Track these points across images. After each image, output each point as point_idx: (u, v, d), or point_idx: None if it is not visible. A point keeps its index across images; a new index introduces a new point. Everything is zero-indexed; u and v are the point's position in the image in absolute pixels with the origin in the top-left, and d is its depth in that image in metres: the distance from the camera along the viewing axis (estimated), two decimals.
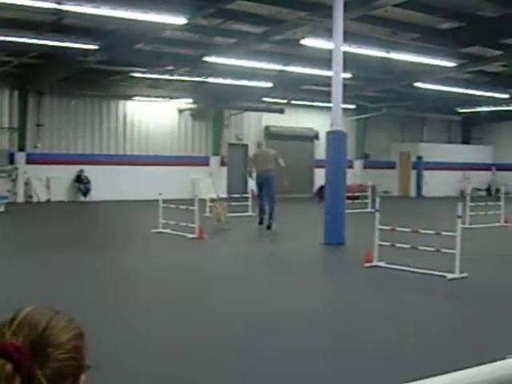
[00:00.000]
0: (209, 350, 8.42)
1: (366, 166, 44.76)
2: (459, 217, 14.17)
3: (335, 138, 18.97)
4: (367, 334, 9.51)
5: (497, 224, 24.85)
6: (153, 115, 36.94)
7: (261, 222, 23.17)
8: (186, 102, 37.56)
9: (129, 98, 36.00)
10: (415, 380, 2.17)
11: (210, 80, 32.55)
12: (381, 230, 15.55)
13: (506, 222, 25.36)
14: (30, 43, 23.71)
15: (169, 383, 7.34)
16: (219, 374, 7.58)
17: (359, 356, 8.34)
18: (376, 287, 13.32)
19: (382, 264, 15.09)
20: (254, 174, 23.88)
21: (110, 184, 34.24)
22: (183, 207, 21.17)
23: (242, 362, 8.05)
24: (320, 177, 29.56)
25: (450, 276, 13.78)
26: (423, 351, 8.44)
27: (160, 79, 33.01)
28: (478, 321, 10.29)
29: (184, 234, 19.88)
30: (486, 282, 13.82)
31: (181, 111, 37.96)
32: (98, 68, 30.61)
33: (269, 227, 22.74)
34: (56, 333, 1.76)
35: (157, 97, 36.28)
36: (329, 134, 19.26)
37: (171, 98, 36.73)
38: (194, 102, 37.55)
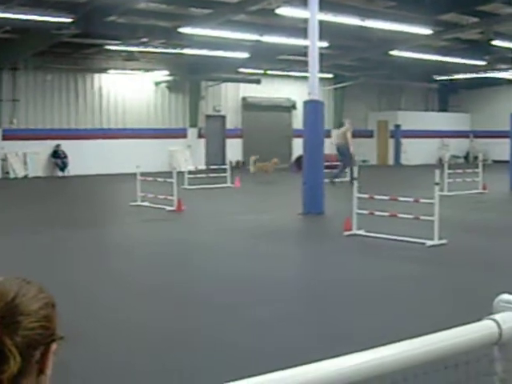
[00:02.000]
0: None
1: None
2: (437, 184, 14.16)
3: (312, 108, 18.88)
4: (347, 300, 9.51)
5: (475, 191, 24.91)
6: (129, 88, 36.67)
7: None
8: (162, 75, 37.30)
9: (104, 71, 35.70)
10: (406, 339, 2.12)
11: (186, 51, 32.30)
12: (359, 198, 15.53)
13: (484, 188, 25.42)
14: (3, 17, 23.33)
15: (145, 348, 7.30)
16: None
17: (340, 321, 8.33)
18: (355, 255, 13.33)
19: (361, 232, 15.09)
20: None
21: (87, 158, 34.03)
22: (161, 180, 21.09)
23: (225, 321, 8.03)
24: (298, 147, 29.49)
25: (429, 243, 13.79)
26: (403, 314, 8.44)
27: (135, 52, 32.69)
28: (455, 285, 10.30)
29: (163, 206, 19.79)
30: (465, 248, 13.85)
31: (157, 84, 37.71)
32: (73, 41, 30.27)
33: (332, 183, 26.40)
34: (26, 301, 1.73)
35: (132, 69, 36.00)
36: (306, 103, 19.18)
37: (147, 71, 36.47)
38: (170, 74, 37.31)
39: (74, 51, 33.09)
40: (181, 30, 26.84)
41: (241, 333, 7.96)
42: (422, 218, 14.41)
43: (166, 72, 37.10)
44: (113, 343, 7.63)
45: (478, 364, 2.56)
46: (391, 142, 44.99)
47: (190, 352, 7.29)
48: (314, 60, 18.68)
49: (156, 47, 31.35)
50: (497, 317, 2.26)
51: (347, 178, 27.16)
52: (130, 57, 34.30)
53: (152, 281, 10.92)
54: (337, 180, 27.42)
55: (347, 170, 28.53)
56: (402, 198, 15.51)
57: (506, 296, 2.41)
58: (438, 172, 14.18)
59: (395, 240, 14.20)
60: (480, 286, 10.06)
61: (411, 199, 15.18)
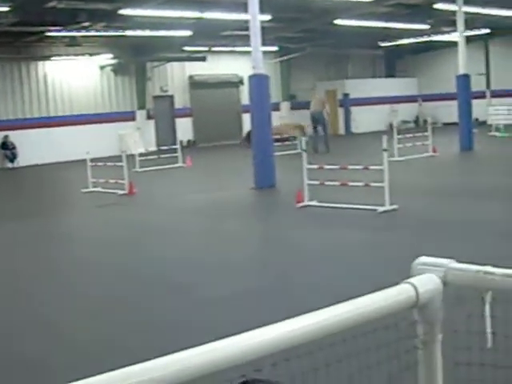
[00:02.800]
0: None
1: (293, 107, 44.70)
2: (385, 150, 14.22)
3: (257, 82, 18.85)
4: (304, 269, 9.55)
5: (425, 154, 25.11)
6: (74, 74, 36.23)
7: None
8: (106, 58, 36.87)
9: (47, 58, 35.20)
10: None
11: (128, 33, 31.93)
12: (310, 169, 15.57)
13: (434, 151, 25.62)
14: None
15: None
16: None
17: (298, 290, 8.35)
18: (307, 226, 13.38)
19: (313, 203, 15.15)
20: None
21: (36, 147, 33.62)
22: (111, 164, 20.96)
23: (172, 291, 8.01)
24: (248, 122, 29.45)
25: (380, 209, 13.88)
26: (347, 277, 8.49)
27: (77, 37, 32.29)
28: (402, 249, 10.35)
29: (114, 190, 19.67)
30: (415, 212, 13.98)
31: (102, 67, 37.32)
32: (12, 30, 29.79)
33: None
34: None
35: (76, 55, 35.50)
36: (251, 77, 19.15)
37: (91, 55, 36.01)
38: (114, 58, 36.92)
39: (16, 40, 32.56)
40: (122, 11, 26.52)
41: (195, 311, 7.95)
42: (372, 184, 14.51)
43: (111, 55, 36.70)
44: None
45: (397, 328, 2.56)
46: (341, 110, 45.10)
47: (142, 332, 7.27)
48: (255, 34, 18.63)
49: (98, 31, 30.98)
50: (414, 280, 2.26)
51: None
52: (73, 42, 33.83)
53: (106, 265, 10.88)
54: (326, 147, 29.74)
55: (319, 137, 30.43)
56: (351, 167, 15.57)
57: (423, 258, 2.41)
58: (385, 138, 14.26)
59: (347, 208, 14.28)
60: (426, 249, 10.13)
61: (361, 167, 15.24)
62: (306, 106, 43.59)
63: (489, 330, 2.33)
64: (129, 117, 37.81)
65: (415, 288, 2.22)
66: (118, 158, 21.04)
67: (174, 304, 8.37)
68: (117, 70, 37.69)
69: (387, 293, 2.20)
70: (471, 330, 2.61)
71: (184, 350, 1.86)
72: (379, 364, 2.76)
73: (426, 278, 2.29)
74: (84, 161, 21.60)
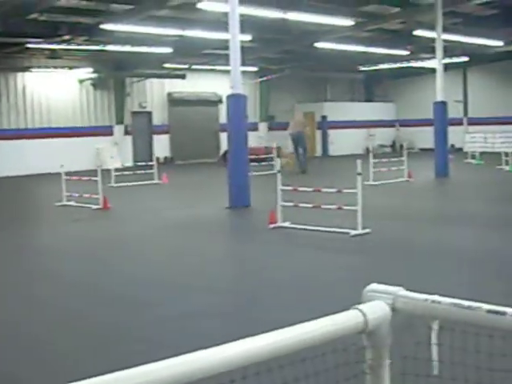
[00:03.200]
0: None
1: (271, 128, 44.86)
2: (359, 174, 14.29)
3: (235, 101, 18.92)
4: (269, 290, 9.57)
5: (401, 179, 25.25)
6: (53, 87, 36.20)
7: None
8: (86, 72, 36.89)
9: (27, 69, 35.16)
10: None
11: (109, 48, 31.98)
12: (284, 190, 15.62)
13: (409, 176, 25.78)
14: None
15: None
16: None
17: (255, 310, 8.38)
18: (278, 247, 13.41)
19: (286, 224, 15.19)
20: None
21: (12, 159, 33.49)
22: (86, 178, 20.92)
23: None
24: (225, 141, 29.52)
25: (353, 232, 13.94)
26: (325, 299, 8.51)
27: (58, 49, 32.29)
28: (371, 274, 10.42)
29: (89, 205, 19.63)
30: (387, 237, 14.03)
31: (81, 81, 37.33)
32: None
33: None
34: None
35: (56, 68, 35.49)
36: (228, 97, 19.23)
37: (70, 69, 36.00)
38: (94, 72, 36.93)
39: None
40: (103, 26, 26.59)
41: (161, 328, 7.95)
42: (345, 207, 14.58)
43: (90, 69, 36.71)
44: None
45: (346, 353, 2.61)
46: (318, 133, 45.30)
47: (104, 345, 7.28)
48: (235, 53, 18.71)
49: (79, 44, 30.99)
50: (362, 306, 2.31)
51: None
52: (53, 55, 33.84)
53: (72, 277, 10.86)
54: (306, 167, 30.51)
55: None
56: (324, 189, 15.62)
57: (373, 285, 2.46)
58: (359, 162, 14.32)
59: (320, 231, 14.33)
60: (395, 274, 10.22)
61: (334, 190, 15.29)
62: (284, 126, 43.99)
63: (435, 357, 2.38)
64: (106, 131, 37.79)
65: (364, 314, 2.26)
66: (94, 173, 21.01)
67: (133, 319, 8.39)
68: (96, 84, 37.70)
69: (336, 318, 2.25)
70: (418, 356, 2.66)
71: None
72: None
73: (375, 305, 2.34)
74: (59, 174, 21.54)
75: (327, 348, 2.47)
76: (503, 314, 2.17)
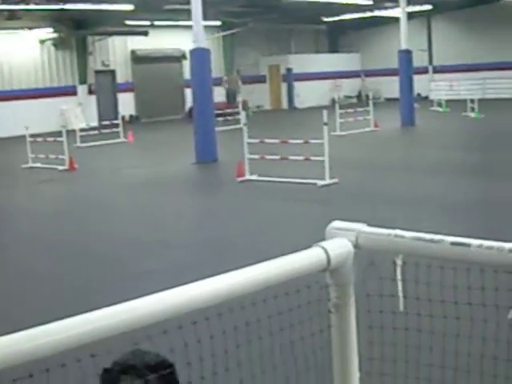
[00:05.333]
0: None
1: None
2: (325, 124, 14.27)
3: (198, 56, 18.77)
4: (238, 240, 9.56)
5: (367, 129, 25.26)
6: (13, 48, 35.59)
7: None
8: (46, 32, 36.32)
9: None
10: None
11: (69, 6, 31.48)
12: (251, 143, 15.57)
13: (375, 126, 25.80)
14: None
15: None
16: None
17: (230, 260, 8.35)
18: (248, 199, 13.40)
19: (254, 177, 15.16)
20: None
21: None
22: (51, 139, 20.72)
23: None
24: (191, 97, 29.31)
25: (320, 183, 13.95)
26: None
27: (16, 10, 31.74)
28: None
29: (55, 166, 19.45)
30: (356, 186, 14.07)
31: (42, 42, 36.73)
32: None
33: None
34: None
35: (15, 29, 34.91)
36: (192, 52, 19.06)
37: (30, 29, 35.43)
38: (55, 31, 36.36)
39: None
40: None
41: (128, 283, 7.93)
42: (312, 158, 14.57)
43: (51, 29, 36.16)
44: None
45: (310, 291, 2.58)
46: (284, 85, 45.13)
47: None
48: (197, 8, 18.55)
49: (38, 4, 30.49)
50: (325, 243, 2.27)
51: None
52: (12, 16, 33.26)
53: (41, 237, 10.80)
54: None
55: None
56: (292, 141, 15.60)
57: (337, 223, 2.42)
58: (325, 112, 14.31)
59: (288, 182, 14.32)
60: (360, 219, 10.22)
61: (301, 141, 15.27)
62: (249, 80, 43.74)
63: (400, 292, 2.36)
64: (70, 91, 37.33)
65: (326, 251, 2.22)
66: (59, 134, 20.79)
67: (101, 275, 8.37)
68: (57, 44, 37.13)
69: (299, 255, 2.21)
70: (383, 293, 2.63)
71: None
72: (292, 326, 2.78)
73: (338, 242, 2.29)
74: (23, 137, 21.30)
75: (290, 288, 2.43)
76: (468, 245, 2.14)
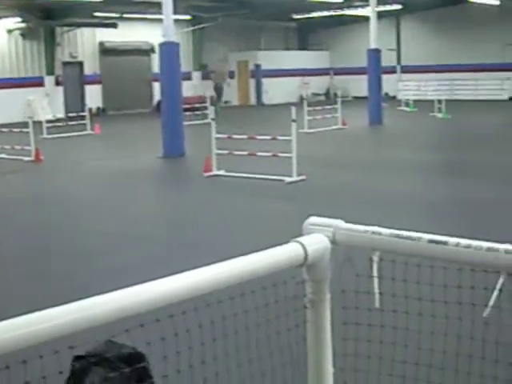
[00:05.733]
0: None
1: (204, 77, 44.49)
2: (293, 121, 14.28)
3: (168, 50, 18.70)
4: (203, 235, 9.54)
5: (335, 127, 25.33)
6: None
7: None
8: (14, 22, 35.97)
9: None
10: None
11: None
12: (218, 139, 15.55)
13: (343, 124, 25.87)
14: None
15: None
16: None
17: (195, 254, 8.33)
18: (215, 194, 13.38)
19: (221, 172, 15.14)
20: None
21: None
22: (17, 130, 20.53)
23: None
24: (159, 91, 29.21)
25: (287, 180, 13.96)
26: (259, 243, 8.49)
27: None
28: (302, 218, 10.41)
29: (21, 157, 19.28)
30: (323, 183, 14.10)
31: (10, 31, 36.36)
32: None
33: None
34: None
35: None
36: (161, 45, 18.99)
37: None
38: (22, 21, 36.02)
39: None
40: None
41: (95, 279, 7.87)
42: (280, 155, 14.58)
43: (19, 19, 35.82)
44: None
45: (286, 286, 2.58)
46: (252, 81, 45.11)
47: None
48: (167, 1, 18.44)
49: None
50: (302, 239, 2.27)
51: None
52: None
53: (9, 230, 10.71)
54: None
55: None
56: (260, 137, 15.59)
57: (314, 219, 2.42)
58: (294, 109, 14.31)
59: (255, 178, 14.31)
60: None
61: (269, 137, 15.26)
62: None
63: (376, 289, 2.36)
64: (37, 82, 37.01)
65: (303, 246, 2.22)
66: (25, 125, 20.61)
67: (73, 270, 8.30)
68: (25, 34, 36.80)
69: (276, 250, 2.20)
70: (359, 289, 2.64)
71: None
72: (269, 322, 2.77)
73: (315, 238, 2.29)
74: None
75: (267, 282, 2.42)
76: (445, 243, 2.14)
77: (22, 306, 6.70)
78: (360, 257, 2.38)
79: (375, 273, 2.32)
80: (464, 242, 2.12)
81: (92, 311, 1.82)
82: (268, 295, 2.62)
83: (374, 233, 2.26)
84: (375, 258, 2.32)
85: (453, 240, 2.13)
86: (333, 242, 2.30)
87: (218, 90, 39.06)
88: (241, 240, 9.33)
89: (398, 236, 2.21)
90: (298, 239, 2.26)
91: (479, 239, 2.16)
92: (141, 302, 1.89)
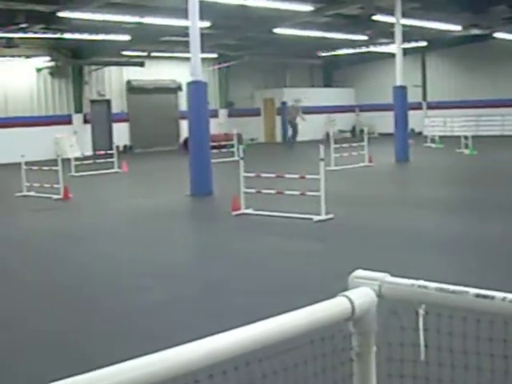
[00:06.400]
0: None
1: (231, 115, 44.72)
2: (322, 159, 14.32)
3: (195, 88, 18.83)
4: (235, 276, 9.55)
5: (361, 164, 25.35)
6: (10, 75, 35.69)
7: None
8: (43, 60, 36.45)
9: None
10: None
11: (67, 36, 31.64)
12: (247, 177, 15.60)
13: (370, 161, 25.88)
14: None
15: None
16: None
17: (229, 298, 8.36)
18: (242, 234, 13.40)
19: (249, 211, 15.17)
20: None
21: None
22: (46, 168, 20.71)
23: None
24: (186, 128, 29.40)
25: (316, 218, 13.96)
26: (280, 289, 8.51)
27: (14, 38, 31.84)
28: (336, 260, 10.41)
29: (49, 195, 19.43)
30: (351, 222, 14.08)
31: (39, 70, 36.84)
32: None
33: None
34: None
35: (13, 56, 35.03)
36: (189, 84, 19.13)
37: (28, 57, 35.56)
38: (52, 60, 36.50)
39: None
40: (60, 14, 26.31)
41: (136, 314, 7.90)
42: (308, 193, 14.60)
43: (48, 58, 36.31)
44: None
45: (333, 340, 2.59)
46: (278, 119, 45.29)
47: (88, 336, 7.21)
48: (195, 41, 18.61)
49: (36, 32, 30.60)
50: (349, 293, 2.29)
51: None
52: (10, 43, 33.36)
53: (40, 271, 10.76)
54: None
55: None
56: (288, 175, 15.63)
57: (359, 272, 2.44)
58: (322, 147, 14.34)
59: (283, 217, 14.33)
60: (361, 259, 10.25)
61: (297, 176, 15.30)
62: (243, 113, 43.97)
63: (422, 342, 2.37)
64: (65, 120, 37.40)
65: (351, 301, 2.24)
66: (54, 162, 20.80)
67: (117, 308, 8.33)
68: (54, 72, 37.27)
69: (324, 305, 2.23)
70: (404, 342, 2.65)
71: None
72: (316, 376, 2.78)
73: (362, 291, 2.32)
74: (19, 164, 21.30)
75: (315, 336, 2.44)
76: (492, 298, 2.16)
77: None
78: (405, 310, 2.40)
79: (421, 326, 2.34)
80: (510, 296, 2.14)
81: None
82: (316, 349, 2.65)
83: (420, 286, 2.28)
84: (421, 312, 2.34)
85: (499, 294, 2.15)
86: (379, 295, 2.32)
87: (293, 126, 39.82)
88: (270, 280, 9.35)
89: (444, 290, 2.24)
90: (345, 293, 2.28)
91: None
92: (192, 359, 1.92)
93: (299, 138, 43.65)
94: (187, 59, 19.58)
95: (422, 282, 2.29)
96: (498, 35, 37.60)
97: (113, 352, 6.18)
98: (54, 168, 20.00)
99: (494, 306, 2.15)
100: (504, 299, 2.14)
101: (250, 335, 2.04)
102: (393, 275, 2.39)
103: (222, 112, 44.61)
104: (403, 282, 2.33)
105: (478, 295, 2.18)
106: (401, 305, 2.31)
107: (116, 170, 26.78)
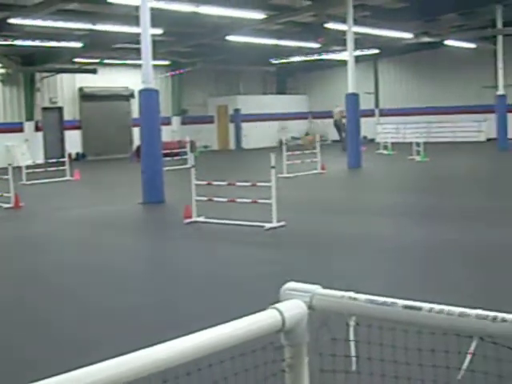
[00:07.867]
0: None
1: (184, 122, 44.70)
2: (273, 167, 14.34)
3: (147, 96, 18.80)
4: (181, 286, 9.54)
5: (314, 171, 25.45)
6: None
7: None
8: None
9: None
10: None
11: (18, 43, 31.39)
12: (198, 185, 15.58)
13: (322, 168, 26.00)
14: None
15: None
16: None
17: (175, 306, 8.34)
18: (193, 242, 13.38)
19: (201, 219, 15.15)
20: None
21: None
22: None
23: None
24: (138, 136, 29.31)
25: (268, 226, 13.98)
26: (228, 298, 8.52)
27: None
28: (285, 267, 10.44)
29: (0, 204, 19.23)
30: (303, 229, 14.13)
31: None
32: None
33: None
34: None
35: None
36: (140, 92, 19.08)
37: None
38: (2, 67, 36.20)
39: None
40: (11, 20, 26.08)
41: (79, 321, 7.86)
42: (259, 201, 14.62)
43: None
44: None
45: (265, 352, 2.61)
46: (231, 126, 45.34)
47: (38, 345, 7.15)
48: (146, 48, 18.58)
49: None
50: (280, 305, 2.31)
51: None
52: None
53: None
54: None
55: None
56: (239, 183, 15.64)
57: (291, 284, 2.47)
58: (273, 155, 14.36)
59: (235, 225, 14.33)
60: (311, 267, 10.32)
61: (249, 184, 15.31)
62: (197, 120, 43.94)
63: (353, 353, 2.40)
64: (16, 128, 37.07)
65: (281, 313, 2.26)
66: (5, 171, 20.60)
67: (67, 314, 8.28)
68: (5, 79, 36.94)
69: (254, 318, 2.24)
70: (336, 353, 2.67)
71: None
72: None
73: (292, 303, 2.34)
74: None
75: (246, 348, 2.46)
76: (419, 309, 2.20)
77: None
78: (336, 321, 2.43)
79: (352, 337, 2.36)
80: (437, 307, 2.17)
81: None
82: (247, 361, 2.66)
83: (350, 298, 2.31)
84: (351, 323, 2.37)
85: (426, 306, 2.19)
86: (310, 307, 2.35)
87: (338, 127, 39.31)
88: (221, 291, 9.35)
89: (373, 302, 2.27)
90: (276, 305, 2.30)
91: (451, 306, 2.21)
92: (127, 370, 1.92)
93: (251, 146, 43.85)
94: (140, 66, 19.53)
95: (352, 294, 2.32)
96: (449, 42, 38.06)
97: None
98: (5, 176, 19.81)
99: (422, 316, 2.19)
100: (431, 310, 2.18)
101: (179, 348, 2.05)
102: (335, 285, 2.42)
103: (176, 119, 44.55)
104: (334, 294, 2.36)
105: (406, 306, 2.21)
106: (333, 316, 2.34)
107: (68, 177, 26.58)
